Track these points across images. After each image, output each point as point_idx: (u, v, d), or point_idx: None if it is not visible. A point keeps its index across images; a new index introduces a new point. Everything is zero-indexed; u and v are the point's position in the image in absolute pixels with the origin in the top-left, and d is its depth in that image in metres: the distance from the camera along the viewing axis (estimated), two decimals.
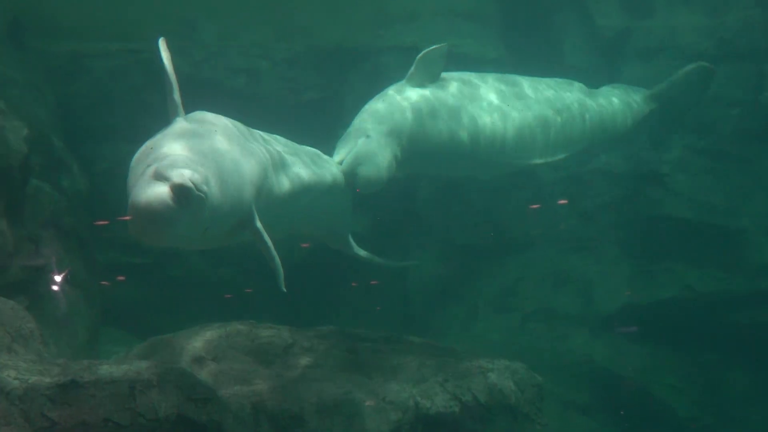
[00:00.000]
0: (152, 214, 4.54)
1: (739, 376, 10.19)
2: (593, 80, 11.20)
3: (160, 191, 4.56)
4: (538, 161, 9.41)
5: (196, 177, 4.77)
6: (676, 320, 10.21)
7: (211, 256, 10.17)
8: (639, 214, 10.72)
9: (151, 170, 4.76)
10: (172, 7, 11.28)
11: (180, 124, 5.61)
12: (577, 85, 10.06)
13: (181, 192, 4.57)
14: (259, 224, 5.68)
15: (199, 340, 6.27)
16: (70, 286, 7.83)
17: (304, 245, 9.87)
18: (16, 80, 9.41)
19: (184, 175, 4.67)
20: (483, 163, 9.10)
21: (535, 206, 10.95)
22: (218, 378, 5.79)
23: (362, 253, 8.43)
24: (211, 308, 9.31)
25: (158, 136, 5.44)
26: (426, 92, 8.63)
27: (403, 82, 8.70)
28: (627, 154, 10.99)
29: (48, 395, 4.84)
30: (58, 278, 7.58)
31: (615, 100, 10.29)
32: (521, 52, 11.70)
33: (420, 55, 8.57)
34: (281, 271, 5.73)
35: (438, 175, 10.31)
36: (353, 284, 10.65)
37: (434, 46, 8.52)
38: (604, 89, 10.48)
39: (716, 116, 10.92)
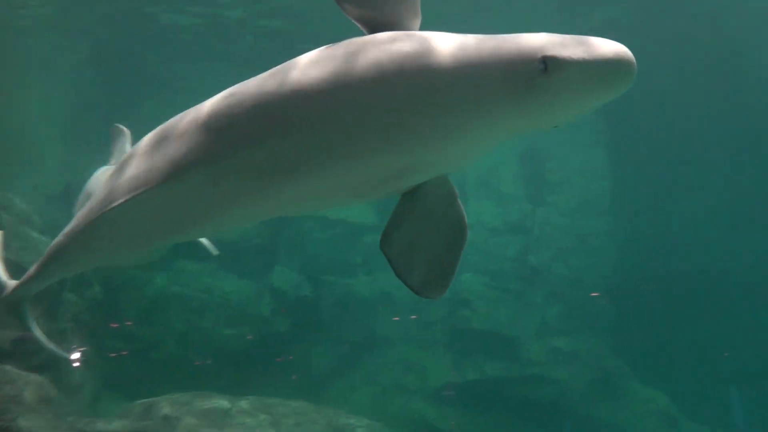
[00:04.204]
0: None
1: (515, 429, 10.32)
2: None
3: None
4: None
5: None
6: (477, 393, 10.41)
7: (185, 343, 9.82)
8: (455, 326, 11.02)
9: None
10: None
11: None
12: None
13: None
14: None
15: (166, 405, 6.03)
16: (82, 363, 7.44)
17: (249, 337, 9.58)
18: None
19: None
20: None
21: (396, 318, 11.14)
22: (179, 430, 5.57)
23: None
24: (179, 379, 8.94)
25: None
26: None
27: None
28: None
29: None
30: (75, 358, 7.20)
31: None
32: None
33: None
34: None
35: None
36: (278, 359, 10.40)
37: None
38: None
39: (503, 266, 11.55)
